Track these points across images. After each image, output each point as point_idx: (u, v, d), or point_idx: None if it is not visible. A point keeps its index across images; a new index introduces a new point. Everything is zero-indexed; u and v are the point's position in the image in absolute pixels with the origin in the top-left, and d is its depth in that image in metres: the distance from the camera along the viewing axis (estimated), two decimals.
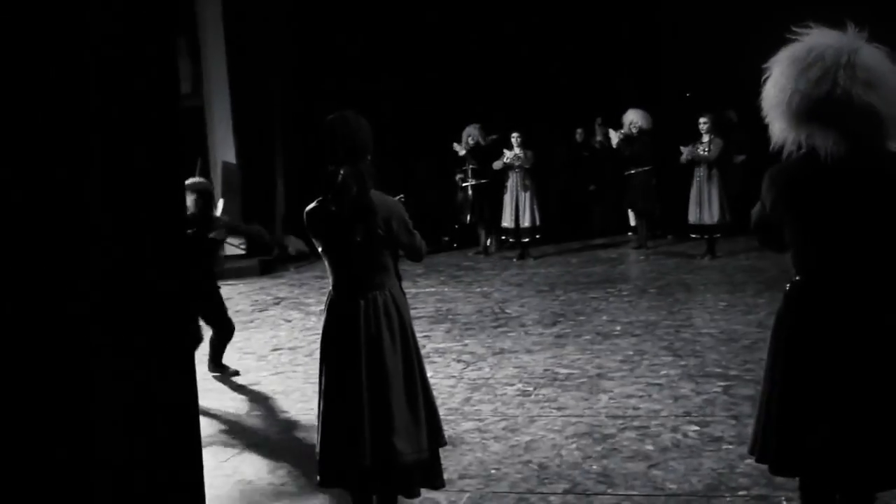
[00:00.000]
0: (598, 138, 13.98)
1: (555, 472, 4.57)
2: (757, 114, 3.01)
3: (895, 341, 2.83)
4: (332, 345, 3.85)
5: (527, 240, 12.43)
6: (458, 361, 7.00)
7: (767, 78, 2.97)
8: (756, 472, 4.18)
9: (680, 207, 11.67)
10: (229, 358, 7.37)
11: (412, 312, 8.75)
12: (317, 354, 3.96)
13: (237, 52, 13.32)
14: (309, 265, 12.21)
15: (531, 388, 6.11)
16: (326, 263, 3.92)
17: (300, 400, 6.15)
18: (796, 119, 2.85)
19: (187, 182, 6.71)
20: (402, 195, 4.19)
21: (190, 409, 1.95)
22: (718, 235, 11.26)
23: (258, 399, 6.38)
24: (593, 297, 9.35)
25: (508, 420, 5.46)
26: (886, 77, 2.77)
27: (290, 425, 5.74)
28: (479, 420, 5.50)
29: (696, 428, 5.10)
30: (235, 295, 10.39)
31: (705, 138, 11.20)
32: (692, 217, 11.44)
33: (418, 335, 7.81)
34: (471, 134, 12.73)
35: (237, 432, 5.65)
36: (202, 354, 6.83)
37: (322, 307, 4.17)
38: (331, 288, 3.92)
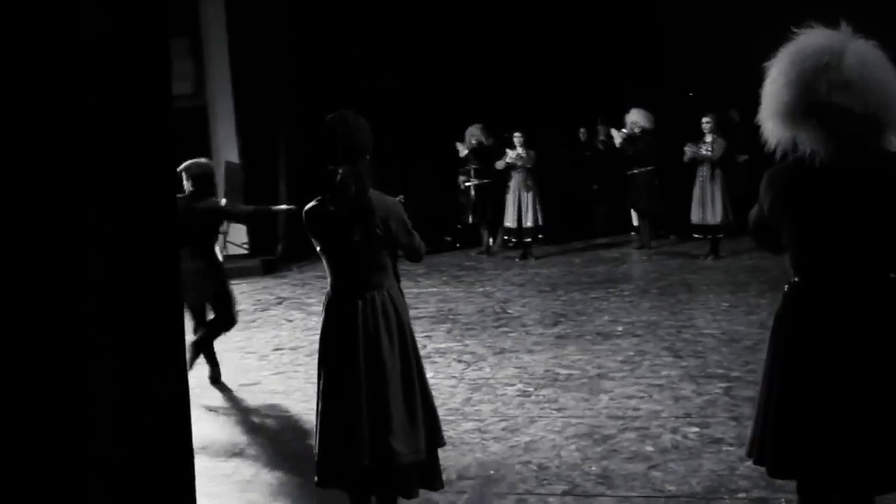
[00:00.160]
0: (601, 138, 13.96)
1: (554, 473, 4.56)
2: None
3: (893, 343, 2.81)
4: (330, 345, 3.85)
5: (529, 240, 12.43)
6: (459, 362, 6.99)
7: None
8: (756, 474, 4.16)
9: (683, 207, 11.65)
10: (230, 357, 7.39)
11: (414, 312, 8.84)
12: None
13: (240, 52, 13.33)
14: (311, 265, 12.21)
15: (531, 389, 6.10)
16: (325, 263, 3.91)
17: (301, 400, 6.15)
18: (783, 120, 2.86)
19: (182, 165, 6.71)
20: (401, 196, 4.18)
21: (182, 410, 1.94)
22: (721, 235, 11.24)
23: (258, 399, 6.38)
24: (595, 297, 9.34)
25: (508, 420, 5.46)
26: (875, 76, 2.75)
27: (291, 425, 5.74)
28: (479, 420, 5.50)
29: (697, 429, 5.09)
30: (238, 294, 10.36)
31: (708, 138, 11.18)
32: (695, 217, 11.42)
33: (420, 335, 7.85)
34: (473, 134, 12.72)
35: (237, 432, 5.65)
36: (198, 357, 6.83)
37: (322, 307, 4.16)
38: (329, 288, 3.92)
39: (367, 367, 3.73)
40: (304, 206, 3.90)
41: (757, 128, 2.98)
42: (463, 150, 12.87)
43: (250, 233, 13.53)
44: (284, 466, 4.97)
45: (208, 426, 5.78)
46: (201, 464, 5.07)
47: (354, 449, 3.68)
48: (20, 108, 1.63)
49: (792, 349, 2.94)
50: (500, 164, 12.39)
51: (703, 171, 11.27)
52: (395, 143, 12.65)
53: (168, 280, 1.82)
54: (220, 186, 13.66)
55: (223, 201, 12.78)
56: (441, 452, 4.11)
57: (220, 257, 6.99)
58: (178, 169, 6.71)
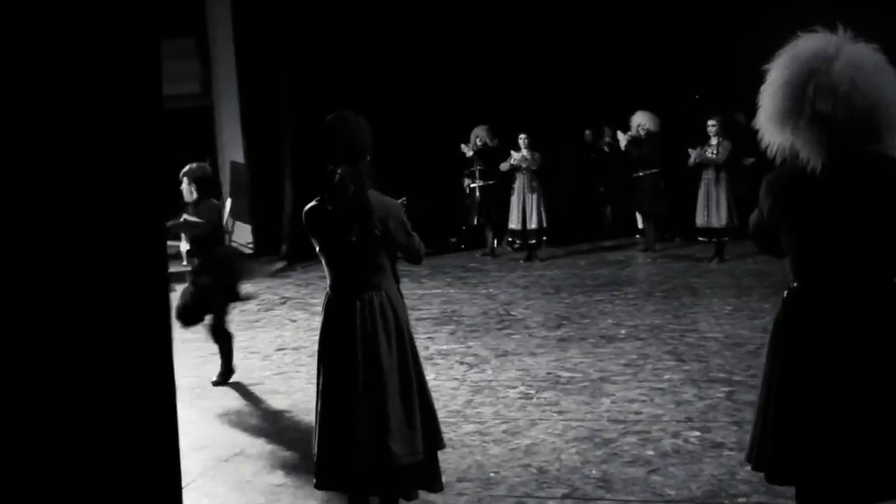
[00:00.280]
0: (607, 140, 13.94)
1: (554, 477, 4.55)
2: None
3: (892, 348, 2.80)
4: (328, 345, 3.85)
5: (533, 241, 12.42)
6: (462, 363, 6.99)
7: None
8: (756, 480, 4.14)
9: (688, 210, 11.62)
10: (233, 356, 7.38)
11: (417, 314, 8.84)
12: None
13: (246, 52, 13.36)
14: (315, 265, 12.21)
15: (533, 392, 6.09)
16: (324, 263, 3.91)
17: (302, 400, 6.14)
18: (777, 124, 2.86)
19: (184, 170, 6.73)
20: (404, 198, 4.18)
21: (169, 409, 1.94)
22: (726, 239, 11.21)
23: (260, 399, 6.38)
24: (599, 299, 9.32)
25: (509, 423, 5.45)
26: (871, 80, 2.74)
27: (292, 426, 5.73)
28: (480, 423, 5.49)
29: (698, 433, 5.07)
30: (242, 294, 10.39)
31: (713, 141, 11.16)
32: (700, 220, 11.39)
33: (423, 336, 7.87)
34: (478, 135, 12.71)
35: (238, 432, 5.65)
36: (201, 356, 6.83)
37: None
38: (328, 288, 3.92)
39: (365, 368, 3.72)
40: (302, 211, 3.90)
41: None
42: (468, 152, 12.87)
43: (255, 233, 13.56)
44: (285, 467, 4.97)
45: (209, 426, 5.79)
46: (202, 463, 5.09)
47: (351, 450, 3.68)
48: (12, 108, 1.63)
49: (791, 354, 2.93)
50: (504, 166, 12.39)
51: (708, 174, 11.24)
52: (399, 143, 12.65)
53: (157, 279, 1.82)
54: (226, 186, 13.73)
55: (228, 202, 12.84)
56: (441, 454, 4.11)
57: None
58: (181, 173, 6.72)
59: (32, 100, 1.62)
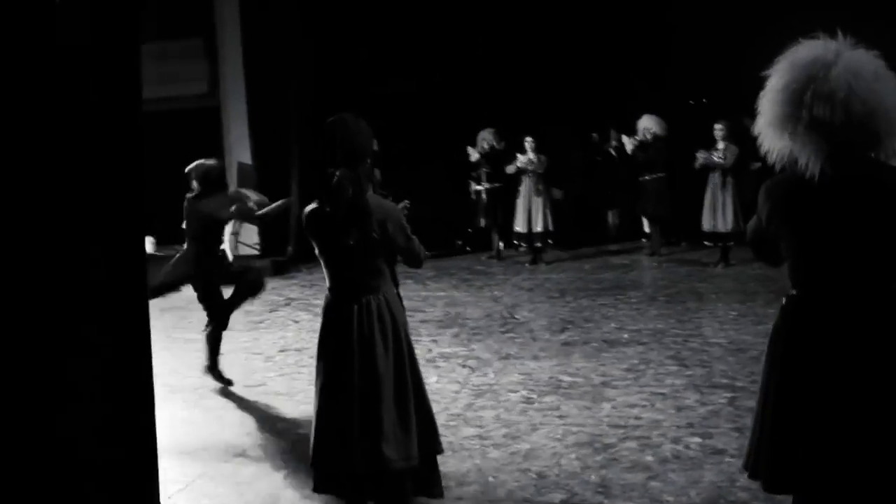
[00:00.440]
0: (613, 143, 13.92)
1: (553, 482, 4.54)
2: None
3: (891, 357, 2.79)
4: (325, 348, 3.85)
5: (539, 244, 12.41)
6: (464, 367, 6.98)
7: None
8: (756, 487, 4.08)
9: (694, 214, 11.60)
10: (236, 357, 7.41)
11: (421, 316, 8.83)
12: None
13: (254, 53, 13.37)
14: (321, 267, 12.20)
15: (535, 396, 6.08)
16: (323, 266, 3.92)
17: (304, 402, 6.14)
18: (776, 130, 2.85)
19: (190, 167, 6.78)
20: (406, 201, 4.18)
21: (146, 407, 1.95)
22: (732, 243, 11.18)
23: (262, 400, 6.38)
24: (603, 303, 9.30)
25: (510, 427, 5.44)
26: (869, 86, 2.73)
27: (293, 428, 5.73)
28: (481, 427, 5.48)
29: (699, 439, 5.06)
30: None
31: (720, 145, 11.14)
32: (706, 224, 11.37)
33: (426, 339, 7.86)
34: (485, 138, 12.71)
35: (239, 434, 5.65)
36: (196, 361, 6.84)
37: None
38: (327, 291, 3.92)
39: (361, 372, 3.72)
40: (303, 213, 3.91)
41: None
42: (474, 155, 12.86)
43: (261, 234, 13.57)
44: (286, 469, 4.97)
45: (211, 427, 5.79)
46: (203, 464, 5.10)
47: (346, 453, 3.68)
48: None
49: (789, 362, 2.92)
50: (510, 169, 12.38)
51: (715, 179, 11.23)
52: (406, 145, 12.66)
53: (134, 277, 1.83)
54: (233, 187, 13.74)
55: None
56: (440, 458, 4.11)
57: (228, 256, 7.03)
58: (187, 170, 6.77)
59: (18, 103, 1.62)
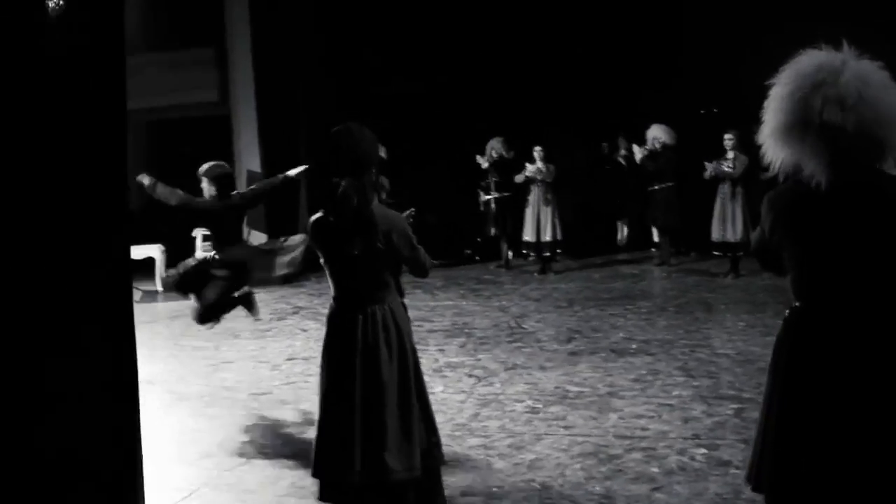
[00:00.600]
0: (623, 153, 13.90)
1: (557, 492, 4.52)
2: None
3: (895, 370, 2.76)
4: (330, 357, 3.85)
5: (548, 254, 12.39)
6: (470, 376, 6.97)
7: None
8: (761, 499, 4.10)
9: (703, 224, 11.57)
10: (244, 365, 7.42)
11: (428, 325, 8.82)
12: None
13: (264, 62, 13.41)
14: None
15: (540, 406, 6.06)
16: (328, 275, 3.92)
17: (310, 411, 6.12)
18: (781, 138, 2.84)
19: (201, 169, 6.73)
20: (412, 209, 4.18)
21: (131, 409, 1.95)
22: (741, 254, 11.13)
23: (268, 409, 6.38)
24: (611, 313, 9.28)
25: (515, 437, 5.42)
26: (876, 94, 2.72)
27: (298, 437, 5.72)
28: (486, 437, 5.47)
29: (704, 451, 5.03)
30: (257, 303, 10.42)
31: (730, 154, 11.12)
32: (715, 234, 11.34)
33: (433, 349, 7.85)
34: (494, 147, 12.72)
35: (244, 442, 5.65)
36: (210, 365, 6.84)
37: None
38: (332, 300, 3.92)
39: (364, 382, 3.72)
40: (308, 222, 3.92)
41: None
42: (483, 164, 12.87)
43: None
44: (288, 478, 4.96)
45: (216, 434, 5.79)
46: (207, 472, 5.10)
47: (348, 463, 3.67)
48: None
49: (792, 375, 2.90)
50: (519, 178, 12.38)
51: (725, 189, 11.20)
52: (416, 155, 12.69)
53: (119, 280, 1.85)
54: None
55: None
56: (444, 469, 4.10)
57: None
58: (199, 173, 6.71)
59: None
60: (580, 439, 5.32)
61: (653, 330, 8.35)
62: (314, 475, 3.83)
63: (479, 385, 6.70)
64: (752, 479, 3.09)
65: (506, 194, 12.83)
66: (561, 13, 13.48)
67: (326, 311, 4.02)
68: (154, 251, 12.77)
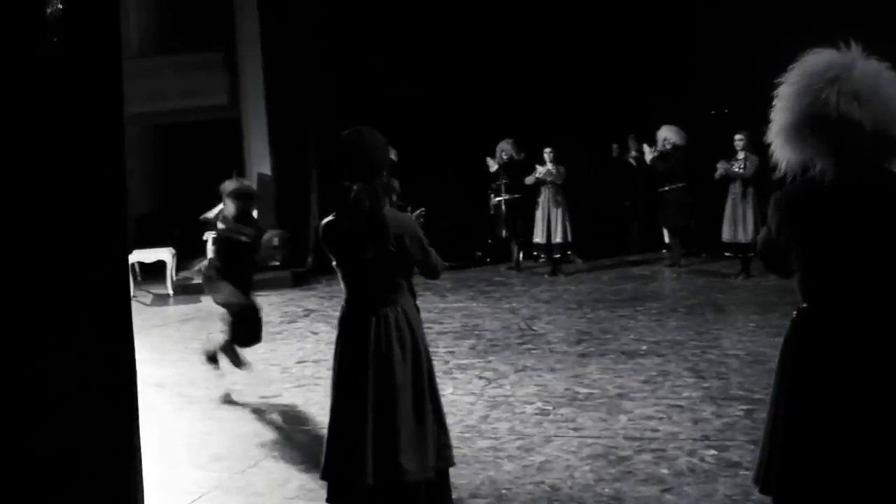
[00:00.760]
0: (633, 154, 13.88)
1: (566, 494, 4.52)
2: None
3: None
4: (341, 359, 3.85)
5: (558, 255, 12.39)
6: (480, 378, 6.97)
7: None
8: (770, 501, 4.09)
9: (714, 225, 11.54)
10: (253, 369, 7.41)
11: (438, 327, 8.83)
12: None
13: (274, 65, 13.47)
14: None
15: (550, 408, 6.06)
16: (340, 278, 3.92)
17: (319, 414, 6.15)
18: (792, 135, 2.83)
19: (228, 187, 6.75)
20: (422, 209, 4.18)
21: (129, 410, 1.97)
22: (752, 254, 11.09)
23: (278, 412, 6.40)
24: (622, 315, 9.27)
25: (524, 439, 5.42)
26: (886, 91, 2.71)
27: (308, 439, 5.73)
28: (495, 439, 5.47)
29: (714, 452, 5.02)
30: (266, 306, 10.43)
31: (740, 155, 11.09)
32: (726, 235, 11.31)
33: (443, 351, 7.85)
34: (504, 149, 12.72)
35: (253, 445, 5.66)
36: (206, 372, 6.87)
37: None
38: (344, 302, 3.92)
39: (377, 384, 3.72)
40: (320, 224, 3.92)
41: None
42: (494, 166, 12.88)
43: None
44: (297, 481, 4.97)
45: (225, 438, 5.81)
46: (217, 475, 5.11)
47: (360, 466, 3.67)
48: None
49: (800, 376, 2.89)
50: (529, 180, 12.38)
51: (735, 189, 11.17)
52: (426, 158, 12.70)
53: (117, 280, 1.86)
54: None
55: (255, 214, 12.94)
56: (453, 470, 4.10)
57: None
58: (223, 190, 6.73)
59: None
60: (590, 441, 5.32)
61: (663, 331, 8.33)
62: (323, 477, 3.84)
63: (489, 387, 6.70)
64: (759, 480, 3.07)
65: (516, 196, 12.83)
66: (571, 13, 13.48)
67: (337, 313, 4.02)
68: (165, 254, 12.82)
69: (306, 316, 10.25)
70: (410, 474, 3.70)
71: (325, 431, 5.42)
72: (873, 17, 9.57)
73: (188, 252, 13.71)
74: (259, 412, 6.43)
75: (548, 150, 12.23)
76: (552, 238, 12.30)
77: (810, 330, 2.88)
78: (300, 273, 13.08)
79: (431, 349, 4.25)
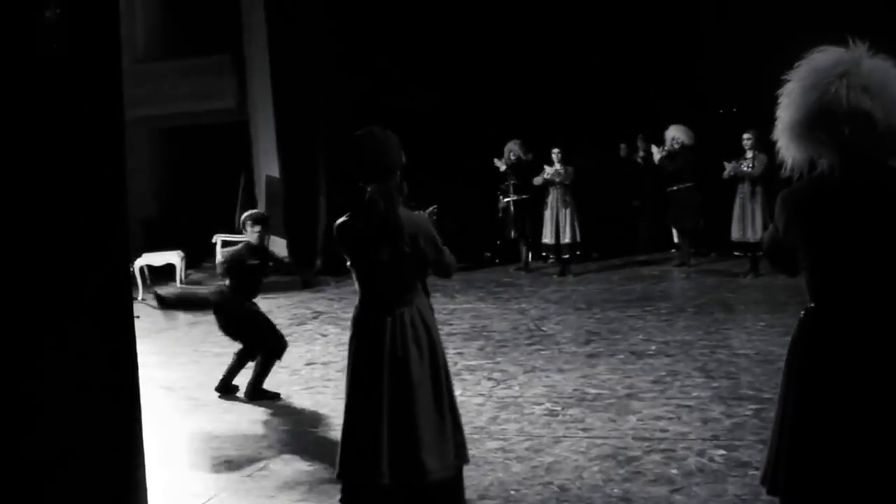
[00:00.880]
0: (641, 153, 13.86)
1: (575, 495, 4.51)
2: None
3: None
4: (356, 359, 3.85)
5: (567, 256, 12.38)
6: (489, 379, 6.97)
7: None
8: (778, 502, 4.07)
9: (723, 224, 11.51)
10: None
11: (447, 329, 8.83)
12: None
13: (281, 68, 13.49)
14: (350, 280, 12.24)
15: (559, 408, 6.05)
16: (354, 278, 3.93)
17: (329, 416, 6.16)
18: (799, 132, 2.82)
19: (251, 214, 7.07)
20: (434, 206, 4.18)
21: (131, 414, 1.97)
22: (761, 253, 11.06)
23: (287, 414, 6.41)
24: (630, 315, 9.25)
25: (533, 440, 5.41)
26: (891, 86, 2.70)
27: (317, 442, 5.74)
28: (504, 439, 5.46)
29: (723, 452, 5.00)
30: (275, 308, 10.46)
31: (749, 154, 11.06)
32: (735, 234, 11.28)
33: (451, 352, 7.85)
34: (512, 150, 12.72)
35: (262, 447, 5.67)
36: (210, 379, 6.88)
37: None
38: (358, 303, 3.92)
39: (392, 385, 3.71)
40: (334, 225, 3.93)
41: None
42: (502, 166, 12.88)
43: (290, 247, 13.67)
44: (309, 483, 4.97)
45: (234, 440, 5.82)
46: (226, 478, 5.12)
47: (375, 466, 3.67)
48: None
49: (807, 376, 2.88)
50: (537, 180, 12.38)
51: (744, 188, 11.14)
52: (434, 158, 12.69)
53: (117, 280, 1.87)
54: (262, 200, 13.88)
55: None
56: (463, 471, 4.09)
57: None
58: (244, 219, 7.01)
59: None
60: (599, 441, 5.31)
61: (672, 331, 8.32)
62: (338, 477, 3.84)
63: (498, 388, 6.69)
64: (767, 481, 3.06)
65: (524, 197, 12.82)
66: (580, 16, 13.46)
67: (347, 316, 4.03)
68: (174, 257, 12.85)
69: (315, 318, 10.26)
70: (432, 473, 3.70)
71: (335, 433, 5.44)
72: (881, 20, 9.53)
73: (197, 255, 13.76)
74: (266, 415, 6.43)
75: (556, 150, 12.22)
76: (561, 238, 12.29)
77: (818, 329, 2.87)
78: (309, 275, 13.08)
79: None
